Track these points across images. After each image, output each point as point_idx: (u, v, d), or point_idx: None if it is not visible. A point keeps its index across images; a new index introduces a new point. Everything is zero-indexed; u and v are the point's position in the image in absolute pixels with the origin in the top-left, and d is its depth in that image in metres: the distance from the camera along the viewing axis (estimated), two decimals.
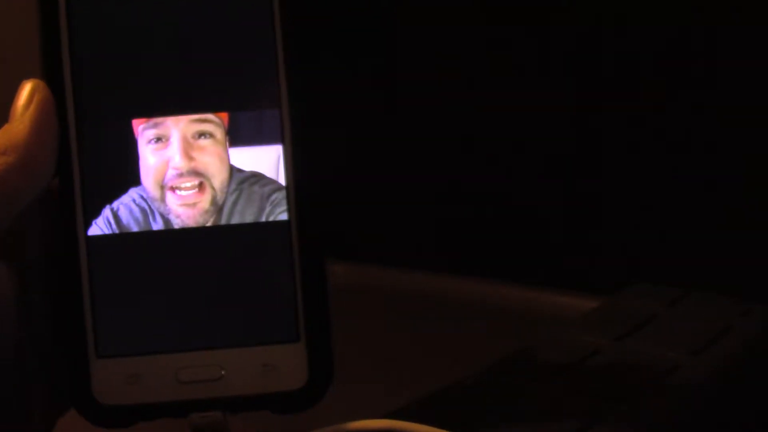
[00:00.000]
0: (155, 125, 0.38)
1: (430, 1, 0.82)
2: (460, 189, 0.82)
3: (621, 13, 0.75)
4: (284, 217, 0.38)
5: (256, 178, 0.38)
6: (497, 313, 0.72)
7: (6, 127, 0.37)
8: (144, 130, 0.38)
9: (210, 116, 0.38)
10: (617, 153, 0.77)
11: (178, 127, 0.38)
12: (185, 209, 0.38)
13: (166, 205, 0.38)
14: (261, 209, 0.38)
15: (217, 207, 0.38)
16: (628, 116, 0.76)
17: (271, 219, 0.38)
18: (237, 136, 0.38)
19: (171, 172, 0.38)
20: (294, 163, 0.38)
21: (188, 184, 0.38)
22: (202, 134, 0.38)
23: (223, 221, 0.38)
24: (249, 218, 0.38)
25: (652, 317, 0.55)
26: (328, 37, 0.80)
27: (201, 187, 0.38)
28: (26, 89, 0.38)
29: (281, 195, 0.38)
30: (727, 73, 0.71)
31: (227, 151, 0.38)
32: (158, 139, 0.38)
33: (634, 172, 0.76)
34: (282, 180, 0.38)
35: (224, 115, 0.38)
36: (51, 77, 0.38)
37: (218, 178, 0.38)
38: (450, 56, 0.81)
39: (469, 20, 0.80)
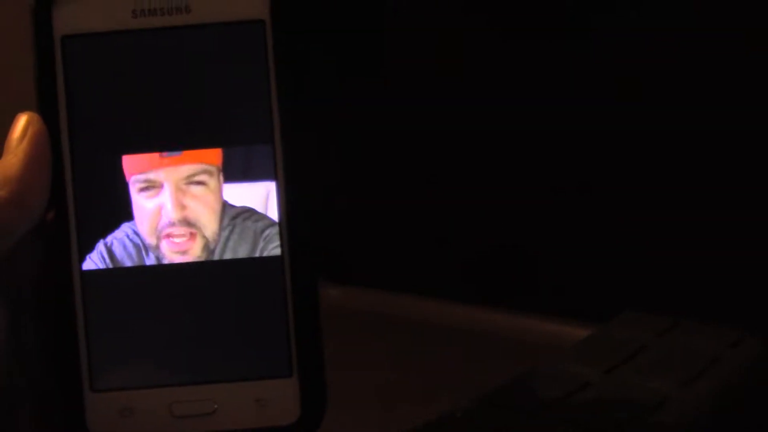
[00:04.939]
0: (146, 173, 0.38)
1: (421, 20, 0.82)
2: (455, 215, 0.83)
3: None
4: (277, 252, 0.38)
5: (249, 213, 0.38)
6: (490, 339, 0.73)
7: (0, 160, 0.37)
8: (135, 179, 0.38)
9: (204, 165, 0.38)
10: (609, 182, 0.77)
11: (170, 176, 0.38)
12: (178, 256, 0.38)
13: (159, 251, 0.38)
14: (255, 245, 0.38)
15: (209, 252, 0.38)
16: (620, 144, 0.76)
17: (264, 254, 0.38)
18: (230, 172, 0.38)
19: (164, 220, 0.38)
20: (287, 198, 0.38)
21: (181, 231, 0.38)
22: (195, 182, 0.38)
23: (216, 256, 0.38)
24: (242, 253, 0.38)
25: (641, 348, 0.55)
26: (325, 62, 0.80)
27: (192, 236, 0.38)
28: (21, 122, 0.38)
29: (274, 230, 0.38)
30: (720, 100, 0.72)
31: (220, 198, 0.38)
32: (150, 187, 0.38)
33: (626, 201, 0.76)
34: (272, 215, 0.38)
35: (218, 151, 0.38)
36: (46, 110, 0.38)
37: (210, 228, 0.38)
38: (447, 77, 0.81)
39: (471, 35, 0.80)
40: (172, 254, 0.38)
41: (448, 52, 0.81)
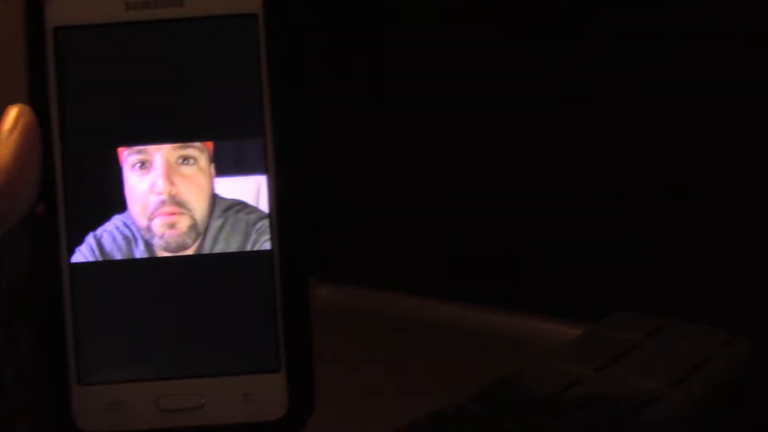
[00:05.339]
0: (139, 151, 0.38)
1: (419, 16, 0.82)
2: (447, 213, 0.83)
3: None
4: (267, 246, 0.38)
5: (241, 206, 0.38)
6: (481, 338, 0.73)
7: None
8: (128, 156, 0.38)
9: (194, 142, 0.38)
10: (602, 182, 0.77)
11: (161, 152, 0.38)
12: (168, 230, 0.38)
13: (151, 231, 0.38)
14: (247, 237, 0.38)
15: (198, 233, 0.38)
16: (614, 144, 0.76)
17: (257, 247, 0.38)
18: (221, 166, 0.38)
19: (154, 198, 0.38)
20: (277, 192, 0.38)
21: (170, 210, 0.38)
22: (185, 159, 0.38)
23: (208, 248, 0.38)
24: (234, 245, 0.38)
25: (633, 347, 0.55)
26: (317, 57, 0.80)
27: (180, 216, 0.38)
28: (11, 114, 0.38)
29: (267, 223, 0.38)
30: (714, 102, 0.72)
31: (211, 179, 0.38)
32: (142, 164, 0.38)
33: (619, 202, 0.76)
34: (263, 209, 0.38)
35: (209, 145, 0.38)
36: (37, 103, 0.38)
37: (198, 210, 0.38)
38: (443, 77, 0.81)
39: (469, 34, 0.80)
40: (161, 229, 0.38)
41: (444, 50, 0.81)
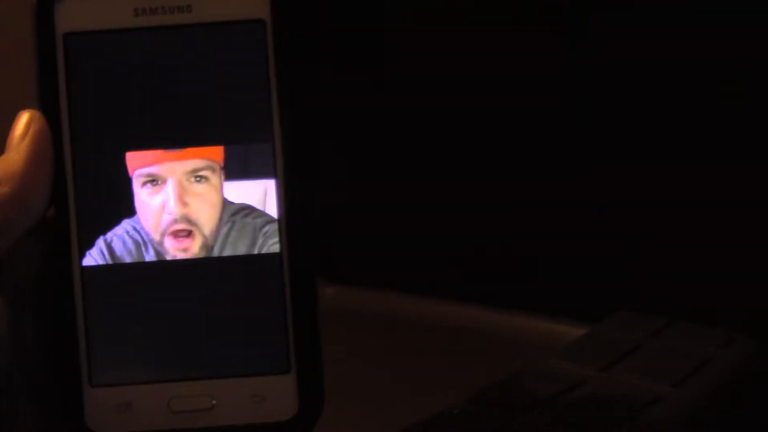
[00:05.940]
0: (150, 167, 0.39)
1: (422, 17, 0.83)
2: (451, 214, 0.83)
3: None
4: (276, 249, 0.39)
5: (248, 210, 0.39)
6: (483, 338, 0.73)
7: (1, 157, 0.38)
8: (138, 173, 0.38)
9: (207, 161, 0.39)
10: (604, 181, 0.77)
11: (173, 171, 0.38)
12: (180, 253, 0.38)
13: (163, 246, 0.38)
14: (254, 241, 0.39)
15: (209, 246, 0.39)
16: (616, 143, 0.76)
17: (263, 251, 0.39)
18: (229, 170, 0.39)
19: (166, 217, 0.38)
20: (286, 196, 0.39)
21: (182, 227, 0.39)
22: (197, 177, 0.39)
23: (216, 252, 0.39)
24: (242, 250, 0.39)
25: (635, 347, 0.55)
26: (324, 61, 0.80)
27: (191, 234, 0.39)
28: (23, 120, 0.38)
29: (273, 227, 0.39)
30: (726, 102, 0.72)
31: (221, 195, 0.39)
32: (153, 182, 0.38)
33: (621, 201, 0.76)
34: (270, 212, 0.39)
35: (219, 148, 0.39)
36: (47, 108, 0.38)
37: (208, 226, 0.39)
38: (447, 77, 0.81)
39: (467, 35, 0.80)
40: (174, 251, 0.38)
41: (447, 50, 0.81)
